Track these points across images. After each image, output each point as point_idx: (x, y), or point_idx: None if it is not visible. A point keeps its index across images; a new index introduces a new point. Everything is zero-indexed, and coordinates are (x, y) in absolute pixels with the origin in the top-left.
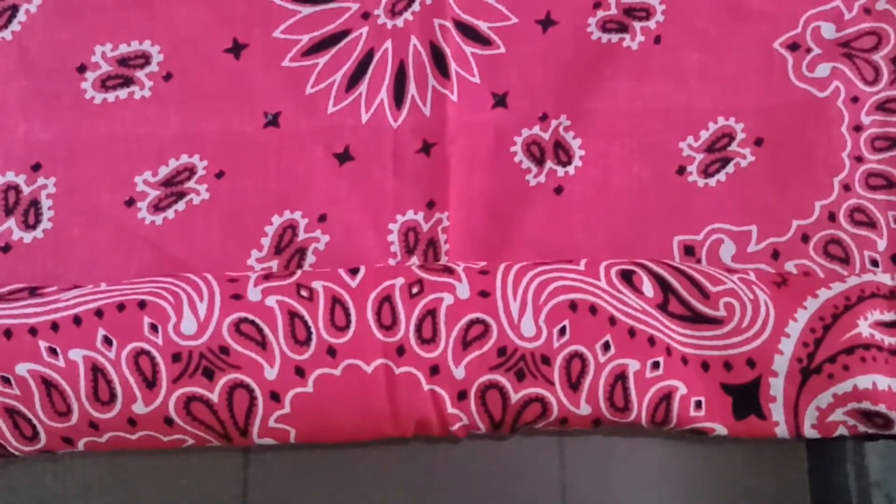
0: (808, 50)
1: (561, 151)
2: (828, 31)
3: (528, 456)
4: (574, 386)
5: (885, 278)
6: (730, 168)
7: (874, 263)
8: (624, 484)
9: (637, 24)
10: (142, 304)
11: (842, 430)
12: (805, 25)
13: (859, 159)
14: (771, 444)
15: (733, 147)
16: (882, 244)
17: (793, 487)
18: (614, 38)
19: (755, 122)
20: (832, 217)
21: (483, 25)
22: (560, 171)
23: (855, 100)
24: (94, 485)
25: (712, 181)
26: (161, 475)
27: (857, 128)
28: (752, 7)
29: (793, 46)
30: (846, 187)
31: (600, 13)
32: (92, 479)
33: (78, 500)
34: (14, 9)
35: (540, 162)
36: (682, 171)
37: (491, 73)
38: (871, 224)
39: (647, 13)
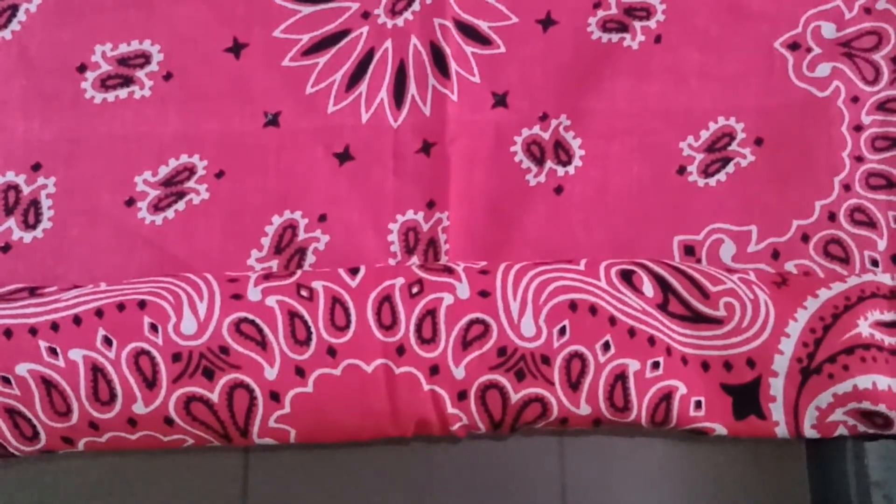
0: (809, 49)
1: (561, 151)
2: (828, 30)
3: (528, 456)
4: (574, 386)
5: (885, 278)
6: (730, 168)
7: (874, 263)
8: (624, 484)
9: (637, 24)
10: (142, 304)
11: (842, 430)
12: (805, 25)
13: (859, 159)
14: (771, 444)
15: (733, 147)
16: (882, 244)
17: (793, 487)
18: (615, 37)
19: (755, 121)
20: (832, 217)
21: (483, 25)
22: (560, 170)
23: (855, 99)
24: (94, 485)
25: (712, 181)
26: (161, 475)
27: (858, 127)
28: (753, 7)
29: (793, 46)
30: (846, 187)
31: (601, 13)
32: (92, 479)
33: (78, 500)
34: (14, 8)
35: (540, 162)
36: (682, 170)
37: (491, 73)
38: (872, 224)
39: (648, 13)
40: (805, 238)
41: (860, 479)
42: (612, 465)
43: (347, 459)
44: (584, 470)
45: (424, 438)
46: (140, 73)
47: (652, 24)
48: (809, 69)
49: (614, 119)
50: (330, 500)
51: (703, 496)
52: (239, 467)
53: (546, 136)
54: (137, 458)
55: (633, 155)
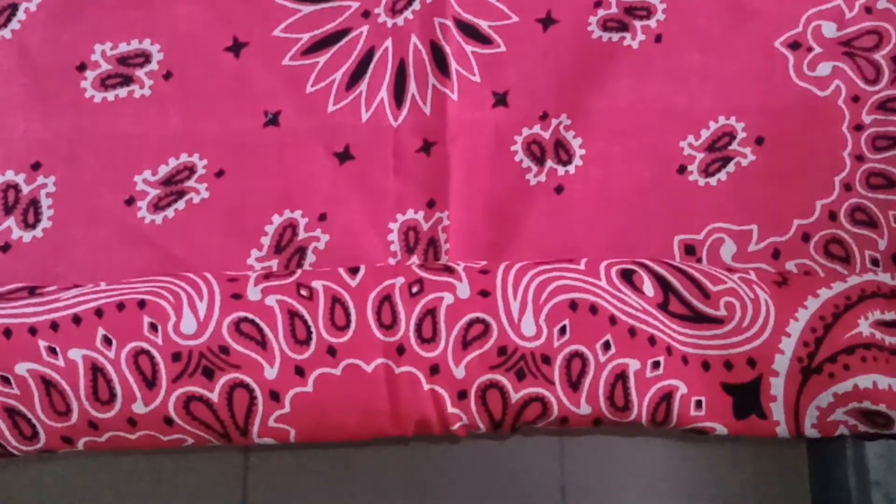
0: (809, 49)
1: (561, 150)
2: (829, 30)
3: (528, 456)
4: (574, 385)
5: (885, 278)
6: (730, 167)
7: (875, 263)
8: (624, 484)
9: (638, 23)
10: (141, 304)
11: (842, 430)
12: (806, 24)
13: (860, 158)
14: (771, 444)
15: (734, 146)
16: (883, 243)
17: (793, 487)
18: (615, 36)
19: (756, 121)
20: (833, 216)
21: (483, 24)
22: (560, 170)
23: (856, 99)
24: (93, 485)
25: (713, 180)
26: (161, 475)
27: (858, 127)
28: (753, 6)
29: (794, 45)
30: (847, 186)
31: (601, 12)
32: (92, 479)
33: (78, 500)
34: (14, 7)
35: (540, 161)
36: (682, 170)
37: (491, 72)
38: (872, 223)
39: (648, 12)
40: (806, 237)
41: (860, 479)
42: (612, 466)
43: (347, 459)
44: (584, 471)
45: (424, 438)
46: (140, 73)
47: (652, 23)
48: (810, 68)
49: (615, 118)
50: (330, 501)
51: (703, 497)
52: (239, 467)
53: (546, 135)
54: (137, 458)
55: (633, 154)
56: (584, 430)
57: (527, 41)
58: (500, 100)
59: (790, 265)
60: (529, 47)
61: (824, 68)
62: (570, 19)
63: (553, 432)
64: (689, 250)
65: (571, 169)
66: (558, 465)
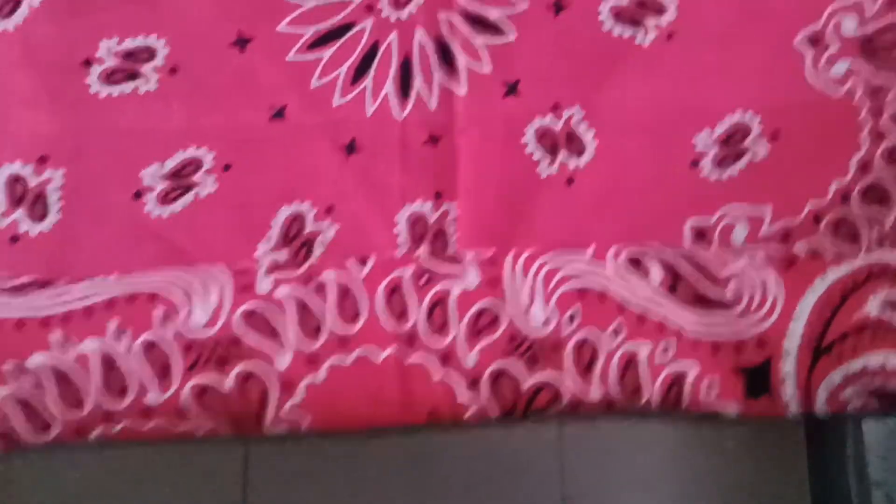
0: (827, 46)
1: (573, 143)
2: (848, 26)
3: (528, 455)
4: (585, 372)
5: (893, 257)
6: (743, 163)
7: (882, 242)
8: (624, 484)
9: (651, 18)
10: (153, 296)
11: (852, 409)
12: (825, 21)
13: (880, 136)
14: (771, 444)
15: (748, 142)
16: (890, 221)
17: (793, 487)
18: (627, 31)
19: (770, 116)
20: (845, 198)
21: (491, 13)
22: (572, 162)
23: (873, 94)
24: (94, 484)
25: (725, 175)
26: (161, 475)
27: (875, 123)
28: (770, 2)
29: (811, 42)
30: (863, 168)
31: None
32: (92, 479)
33: (78, 500)
34: (17, 1)
35: (552, 153)
36: (695, 164)
37: (501, 62)
38: (881, 202)
39: (661, 7)
40: (816, 219)
41: (860, 479)
42: (612, 466)
43: (348, 460)
44: (584, 471)
45: (425, 438)
46: (145, 68)
47: (666, 18)
48: (827, 64)
49: (628, 112)
50: (330, 500)
51: (703, 497)
52: (239, 467)
53: (558, 126)
54: (138, 457)
55: (646, 148)
56: (584, 428)
57: (537, 29)
58: (511, 89)
59: (799, 246)
60: (540, 34)
61: (841, 64)
62: (580, 5)
63: (553, 430)
64: (700, 235)
65: (583, 161)
66: (558, 465)
